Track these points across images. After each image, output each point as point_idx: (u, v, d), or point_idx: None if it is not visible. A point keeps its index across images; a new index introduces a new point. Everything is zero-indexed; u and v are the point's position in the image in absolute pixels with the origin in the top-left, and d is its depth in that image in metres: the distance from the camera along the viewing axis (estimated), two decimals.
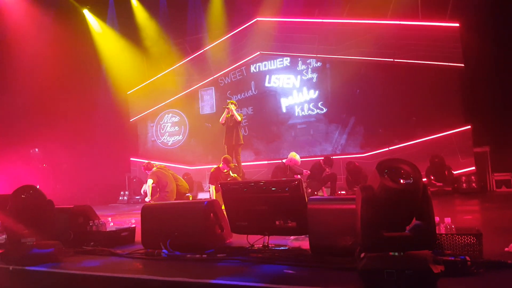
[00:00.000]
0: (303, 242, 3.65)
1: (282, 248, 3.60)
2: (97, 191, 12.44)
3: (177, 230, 3.77)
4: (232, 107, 9.03)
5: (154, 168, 8.14)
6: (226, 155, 8.32)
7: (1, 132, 10.82)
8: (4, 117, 11.09)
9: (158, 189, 7.87)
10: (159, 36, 13.00)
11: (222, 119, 9.23)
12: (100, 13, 13.10)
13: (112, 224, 4.62)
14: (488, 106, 8.90)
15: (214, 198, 7.33)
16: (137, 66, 13.49)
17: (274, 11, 11.40)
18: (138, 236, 4.24)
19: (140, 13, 13.01)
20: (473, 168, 8.89)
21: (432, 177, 8.85)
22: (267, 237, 3.62)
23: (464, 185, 8.68)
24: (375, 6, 10.08)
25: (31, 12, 11.33)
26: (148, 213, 4.07)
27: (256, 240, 3.62)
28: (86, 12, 12.99)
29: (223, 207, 4.11)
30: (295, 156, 8.47)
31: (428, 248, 2.25)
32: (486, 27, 8.73)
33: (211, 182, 7.93)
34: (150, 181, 7.85)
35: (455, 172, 8.87)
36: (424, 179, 8.88)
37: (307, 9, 11.15)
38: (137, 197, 12.19)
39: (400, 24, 9.92)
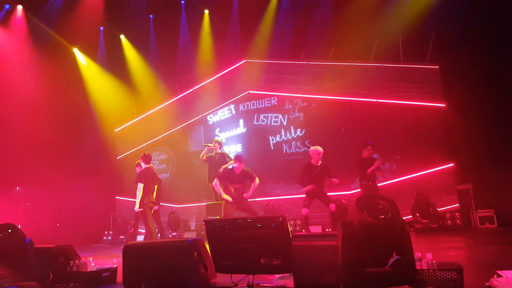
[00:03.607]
0: (288, 281, 3.61)
1: (268, 287, 3.55)
2: (81, 231, 12.15)
3: (159, 270, 3.70)
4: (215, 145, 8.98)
5: (150, 164, 7.71)
6: (239, 154, 8.26)
7: None
8: None
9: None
10: (149, 75, 13.19)
11: (202, 155, 9.25)
12: (89, 52, 13.26)
13: (93, 264, 4.50)
14: (470, 145, 9.11)
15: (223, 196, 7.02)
16: (125, 104, 13.57)
17: (261, 53, 11.80)
18: (120, 277, 4.14)
19: (129, 52, 13.27)
20: (457, 205, 8.98)
21: (418, 214, 8.89)
22: (251, 276, 3.57)
23: (448, 221, 8.74)
24: (358, 50, 10.52)
25: (19, 48, 11.46)
26: (129, 252, 4.01)
27: (240, 280, 3.57)
28: (76, 51, 13.20)
29: (207, 246, 4.06)
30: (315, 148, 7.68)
31: (409, 283, 2.26)
32: (464, 68, 9.10)
33: (218, 178, 7.17)
34: (140, 186, 7.26)
35: (439, 209, 8.93)
36: (410, 216, 8.90)
37: (293, 52, 11.61)
38: (121, 237, 11.91)
39: (382, 66, 10.29)
